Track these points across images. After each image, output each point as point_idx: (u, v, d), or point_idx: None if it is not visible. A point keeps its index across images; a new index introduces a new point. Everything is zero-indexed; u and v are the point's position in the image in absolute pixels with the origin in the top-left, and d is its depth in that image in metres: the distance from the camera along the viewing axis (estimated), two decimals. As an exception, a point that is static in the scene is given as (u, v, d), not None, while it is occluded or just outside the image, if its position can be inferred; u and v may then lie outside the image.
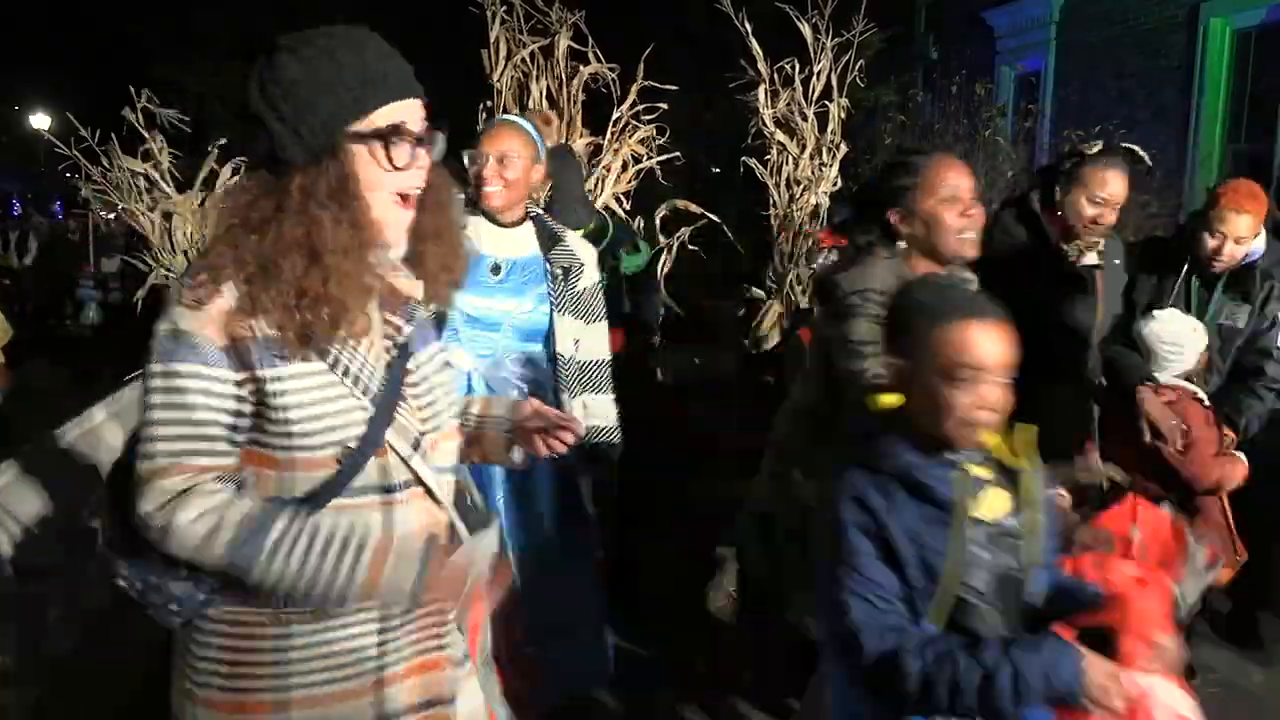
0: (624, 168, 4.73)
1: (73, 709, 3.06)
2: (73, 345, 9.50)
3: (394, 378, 1.46)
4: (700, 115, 11.36)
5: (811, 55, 4.65)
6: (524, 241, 2.68)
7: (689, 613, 3.57)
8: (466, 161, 2.58)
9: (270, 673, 1.47)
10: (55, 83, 29.28)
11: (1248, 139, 9.75)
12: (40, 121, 28.43)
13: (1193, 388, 2.96)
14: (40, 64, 30.63)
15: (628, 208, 4.82)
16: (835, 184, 4.77)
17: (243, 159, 4.86)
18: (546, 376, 2.69)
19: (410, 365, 1.50)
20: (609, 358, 2.76)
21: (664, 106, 4.70)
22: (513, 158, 2.59)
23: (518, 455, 1.68)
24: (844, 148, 4.71)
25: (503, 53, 4.65)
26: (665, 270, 4.91)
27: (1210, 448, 2.88)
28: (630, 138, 4.69)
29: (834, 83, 4.67)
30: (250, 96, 1.44)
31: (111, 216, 4.88)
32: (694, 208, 4.89)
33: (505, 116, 3.00)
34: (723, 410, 5.22)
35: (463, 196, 2.43)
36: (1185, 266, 3.20)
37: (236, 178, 4.86)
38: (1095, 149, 3.06)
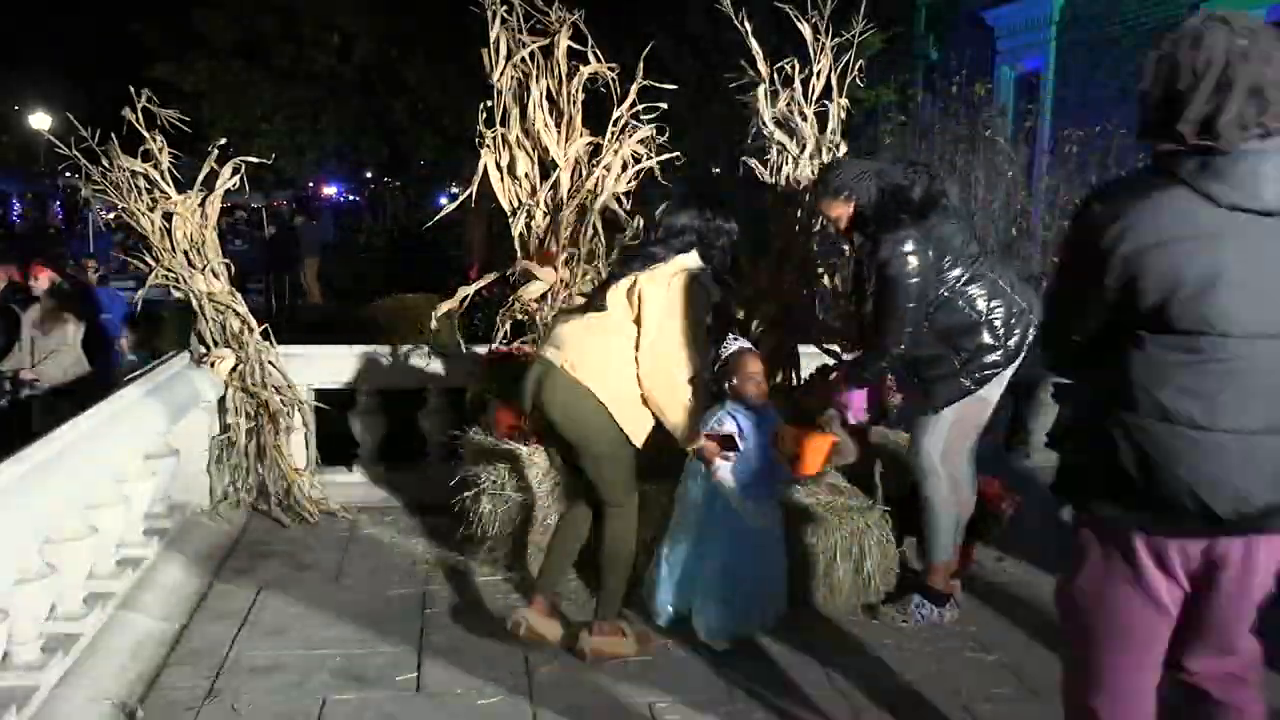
0: (624, 168, 4.72)
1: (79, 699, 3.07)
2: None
3: None
4: (700, 115, 11.36)
5: (811, 55, 4.64)
6: None
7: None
8: None
9: None
10: (55, 83, 29.29)
11: (1247, 139, 9.74)
12: (40, 121, 28.41)
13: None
14: (40, 64, 30.65)
15: (628, 208, 4.81)
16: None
17: (243, 159, 4.87)
18: None
19: None
20: None
21: (664, 106, 4.68)
22: None
23: None
24: (844, 148, 4.70)
25: (503, 53, 4.64)
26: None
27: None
28: (630, 138, 4.68)
29: (834, 83, 4.66)
30: None
31: (111, 216, 4.87)
32: (694, 208, 4.86)
33: None
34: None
35: None
36: None
37: (236, 178, 4.86)
38: None
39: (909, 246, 3.55)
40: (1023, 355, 3.73)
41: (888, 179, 3.68)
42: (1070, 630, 2.27)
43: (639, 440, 3.38)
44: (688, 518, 3.67)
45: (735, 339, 3.73)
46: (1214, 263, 1.86)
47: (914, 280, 3.56)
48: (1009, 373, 3.75)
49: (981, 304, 3.66)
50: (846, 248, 4.29)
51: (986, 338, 3.66)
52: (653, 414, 3.36)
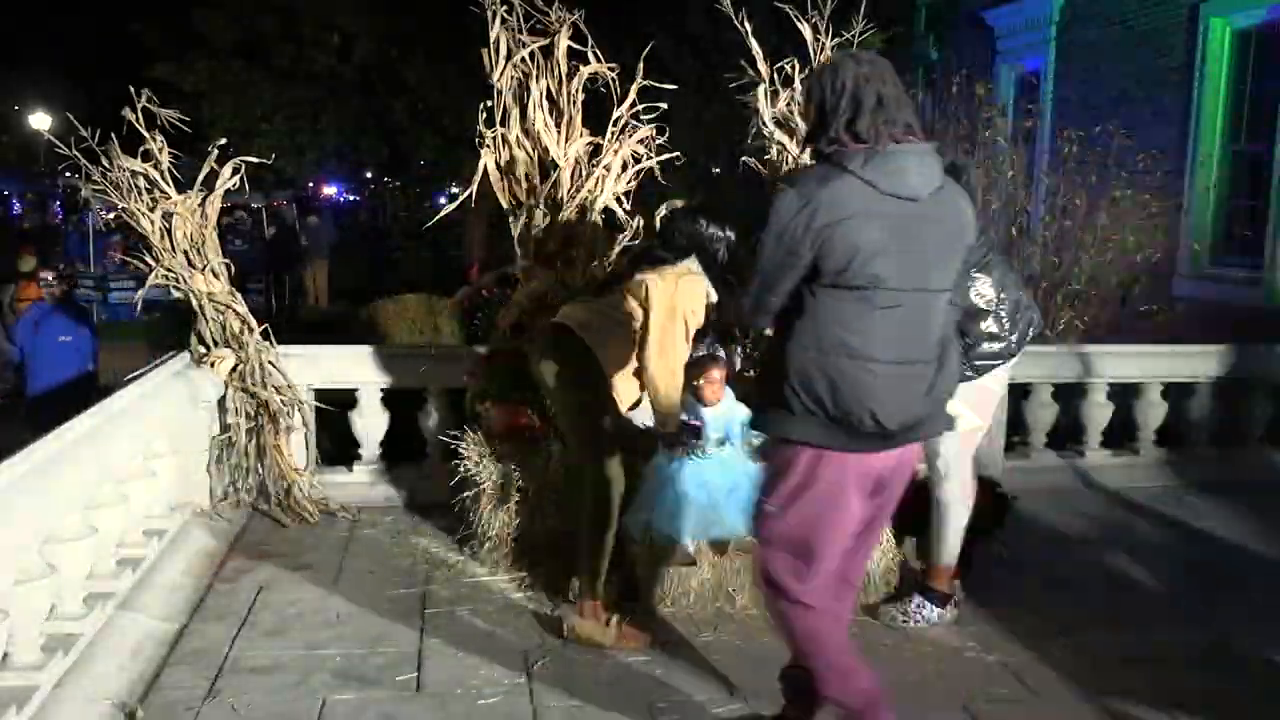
0: (624, 168, 4.72)
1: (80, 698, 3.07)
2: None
3: None
4: (700, 115, 11.36)
5: (811, 55, 4.64)
6: None
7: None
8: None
9: None
10: (55, 83, 29.30)
11: (1248, 139, 9.74)
12: (40, 121, 28.41)
13: None
14: (40, 64, 30.65)
15: (628, 208, 4.82)
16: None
17: (243, 159, 4.87)
18: None
19: None
20: None
21: (664, 106, 4.68)
22: None
23: None
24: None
25: (503, 53, 4.64)
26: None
27: None
28: (630, 138, 4.68)
29: (834, 83, 4.65)
30: None
31: (111, 216, 4.87)
32: (694, 208, 4.87)
33: None
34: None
35: None
36: None
37: (236, 177, 4.86)
38: None
39: None
40: (1020, 354, 3.75)
41: None
42: (772, 537, 2.67)
43: (624, 404, 3.72)
44: (663, 477, 3.78)
45: (709, 343, 3.93)
46: (879, 234, 2.41)
47: None
48: (1009, 366, 3.76)
49: (990, 293, 3.69)
50: None
51: (992, 326, 3.69)
52: (648, 397, 3.64)
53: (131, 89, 4.59)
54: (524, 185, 4.74)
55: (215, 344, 4.85)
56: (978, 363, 3.69)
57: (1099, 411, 5.90)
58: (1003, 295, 3.69)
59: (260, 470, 4.92)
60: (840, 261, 2.40)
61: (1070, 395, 5.97)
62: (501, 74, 4.62)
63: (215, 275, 4.82)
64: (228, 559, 4.44)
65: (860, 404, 2.45)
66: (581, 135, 4.69)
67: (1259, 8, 9.34)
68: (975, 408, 3.72)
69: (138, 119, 4.59)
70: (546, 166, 4.73)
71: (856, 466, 2.54)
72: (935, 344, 2.55)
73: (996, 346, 3.69)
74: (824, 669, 2.68)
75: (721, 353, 4.00)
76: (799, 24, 4.63)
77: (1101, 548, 4.78)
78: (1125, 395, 5.99)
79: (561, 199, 4.68)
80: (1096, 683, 3.48)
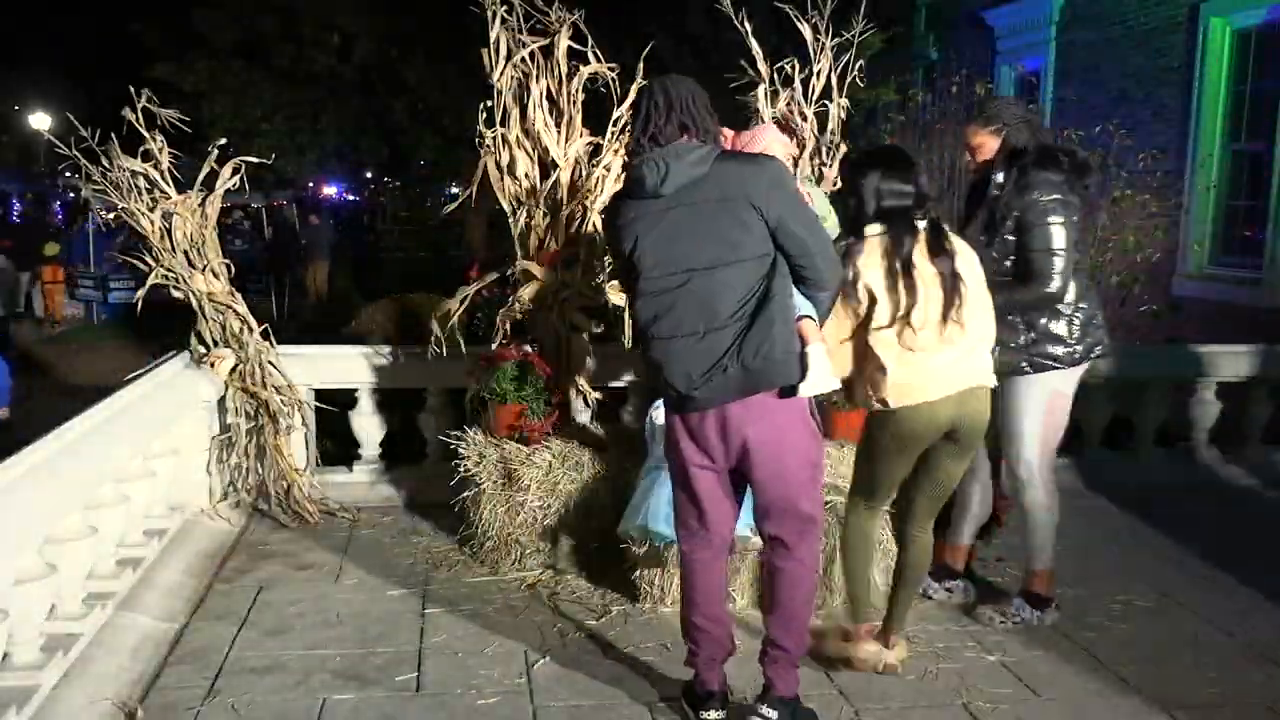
0: (624, 168, 4.72)
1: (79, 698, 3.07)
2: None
3: None
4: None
5: (811, 55, 4.64)
6: None
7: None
8: None
9: None
10: (55, 83, 29.30)
11: (1248, 139, 9.74)
12: (40, 121, 28.41)
13: None
14: (40, 64, 30.64)
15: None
16: (835, 184, 4.77)
17: (243, 159, 4.87)
18: None
19: None
20: None
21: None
22: None
23: None
24: (844, 148, 4.70)
25: (503, 53, 4.64)
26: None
27: None
28: (630, 137, 4.68)
29: (834, 83, 4.66)
30: None
31: (111, 215, 4.86)
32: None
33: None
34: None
35: None
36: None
37: (236, 178, 4.85)
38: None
39: (1064, 195, 3.58)
40: (1084, 366, 3.74)
41: (1042, 135, 3.73)
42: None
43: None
44: (656, 479, 3.85)
45: None
46: (640, 233, 2.89)
47: (1065, 225, 3.56)
48: (1074, 376, 3.75)
49: (1070, 296, 3.67)
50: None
51: (1062, 329, 3.69)
52: None
53: (131, 89, 4.59)
54: (524, 185, 4.74)
55: (215, 344, 4.85)
56: (1037, 359, 3.67)
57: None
58: (1081, 304, 3.69)
59: (260, 470, 4.92)
60: (627, 257, 2.93)
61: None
62: (501, 74, 4.62)
63: (215, 275, 4.82)
64: (228, 559, 4.44)
65: (662, 374, 2.91)
66: (581, 135, 4.69)
67: (1259, 8, 9.34)
68: (1048, 410, 3.72)
69: (138, 119, 4.59)
70: (546, 166, 4.73)
71: (683, 423, 2.97)
72: (716, 313, 2.83)
73: (1059, 350, 3.68)
74: (688, 602, 3.14)
75: None
76: (799, 24, 4.64)
77: (1102, 545, 4.78)
78: (1125, 391, 5.98)
79: (561, 199, 4.68)
80: (1097, 682, 3.48)
